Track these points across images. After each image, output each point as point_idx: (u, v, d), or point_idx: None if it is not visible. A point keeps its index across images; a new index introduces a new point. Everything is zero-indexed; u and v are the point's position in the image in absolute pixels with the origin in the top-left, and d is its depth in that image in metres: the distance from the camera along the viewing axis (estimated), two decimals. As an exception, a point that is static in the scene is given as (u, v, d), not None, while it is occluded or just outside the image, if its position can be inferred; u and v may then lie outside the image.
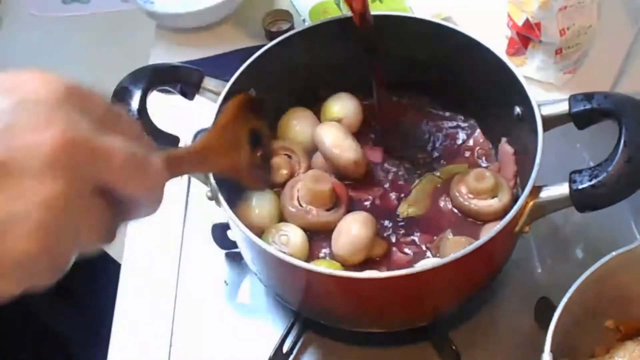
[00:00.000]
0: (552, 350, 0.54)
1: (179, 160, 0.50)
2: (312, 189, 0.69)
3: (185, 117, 0.84)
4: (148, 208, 0.37)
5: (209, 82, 0.69)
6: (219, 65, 0.95)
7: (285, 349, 0.70)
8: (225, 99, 0.67)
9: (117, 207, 0.35)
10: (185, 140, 0.86)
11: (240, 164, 0.57)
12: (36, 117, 0.32)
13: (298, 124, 0.78)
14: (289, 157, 0.75)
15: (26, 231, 0.31)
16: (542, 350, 0.54)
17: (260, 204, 0.71)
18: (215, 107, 0.67)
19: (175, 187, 0.80)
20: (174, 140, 0.66)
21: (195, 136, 0.87)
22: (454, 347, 0.67)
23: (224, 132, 0.55)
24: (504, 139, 0.74)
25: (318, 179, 0.70)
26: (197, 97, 0.70)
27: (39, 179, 0.31)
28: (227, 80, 0.69)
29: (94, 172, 0.33)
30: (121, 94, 0.65)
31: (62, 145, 0.31)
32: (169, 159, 0.46)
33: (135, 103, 0.64)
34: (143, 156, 0.36)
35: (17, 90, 0.32)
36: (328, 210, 0.70)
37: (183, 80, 0.69)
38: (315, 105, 0.80)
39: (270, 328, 0.73)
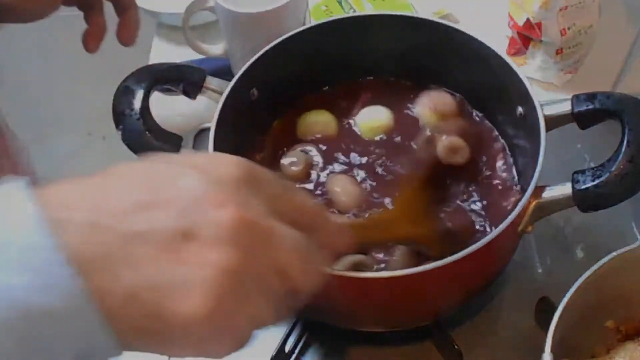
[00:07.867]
0: (552, 350, 0.54)
1: (362, 227, 0.56)
2: None
3: (188, 116, 0.84)
4: (303, 295, 0.40)
5: (211, 82, 0.69)
6: (219, 65, 0.95)
7: (287, 348, 0.70)
8: (228, 98, 0.68)
9: (288, 288, 0.38)
10: (188, 140, 0.86)
11: (428, 233, 0.62)
12: (221, 195, 0.35)
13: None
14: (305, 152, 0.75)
15: (199, 293, 0.33)
16: (542, 350, 0.54)
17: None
18: (218, 106, 0.67)
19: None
20: (176, 139, 0.65)
21: (197, 136, 0.87)
22: (456, 346, 0.67)
23: (407, 205, 0.60)
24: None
25: None
26: (199, 96, 0.70)
27: (217, 249, 0.34)
28: (229, 80, 0.69)
29: (265, 252, 0.36)
30: (123, 94, 0.66)
31: (238, 222, 0.34)
32: (353, 226, 0.48)
33: (137, 102, 0.65)
34: (307, 250, 0.39)
35: (210, 171, 0.36)
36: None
37: (185, 79, 0.69)
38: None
39: (272, 327, 0.72)
